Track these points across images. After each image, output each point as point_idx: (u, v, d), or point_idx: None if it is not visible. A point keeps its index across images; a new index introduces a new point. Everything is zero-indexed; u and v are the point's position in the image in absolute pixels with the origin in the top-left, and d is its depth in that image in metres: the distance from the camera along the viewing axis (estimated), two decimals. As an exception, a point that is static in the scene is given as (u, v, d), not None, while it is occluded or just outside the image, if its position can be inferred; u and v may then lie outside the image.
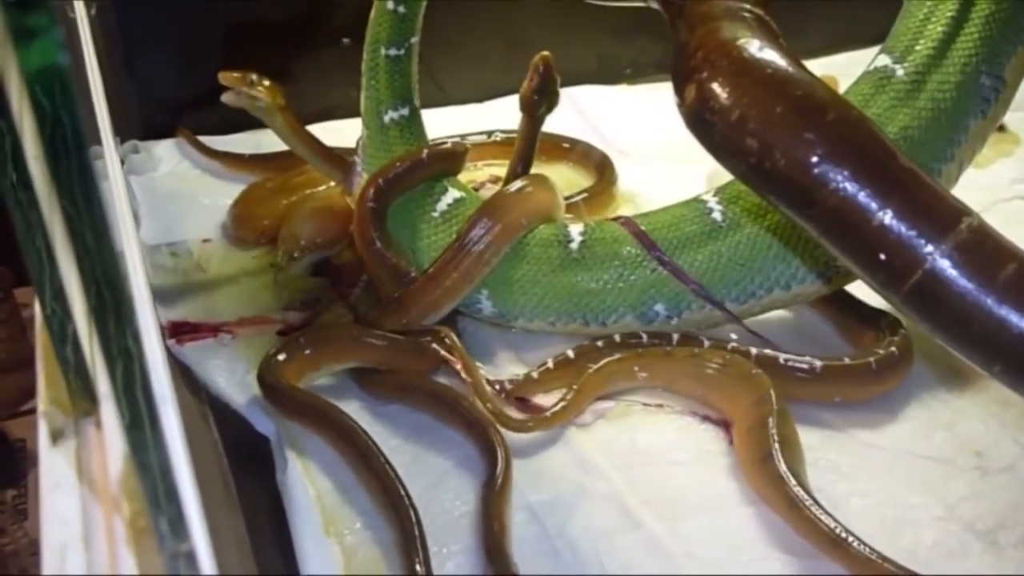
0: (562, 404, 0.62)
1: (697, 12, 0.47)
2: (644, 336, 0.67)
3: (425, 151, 0.71)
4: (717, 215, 0.67)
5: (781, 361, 0.63)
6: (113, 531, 0.29)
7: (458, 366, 0.63)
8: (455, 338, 0.64)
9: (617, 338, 0.67)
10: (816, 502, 0.53)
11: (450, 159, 0.73)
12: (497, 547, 0.52)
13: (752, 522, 0.56)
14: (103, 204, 0.21)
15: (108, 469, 0.31)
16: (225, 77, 0.74)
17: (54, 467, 0.31)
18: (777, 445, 0.56)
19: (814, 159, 0.39)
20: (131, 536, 0.28)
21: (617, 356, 0.65)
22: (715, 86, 0.42)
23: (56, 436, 0.32)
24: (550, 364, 0.66)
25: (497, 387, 0.64)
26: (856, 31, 1.06)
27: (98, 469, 0.31)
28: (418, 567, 0.50)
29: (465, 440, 0.61)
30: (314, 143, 0.79)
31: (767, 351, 0.64)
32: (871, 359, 0.63)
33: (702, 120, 0.43)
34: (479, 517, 0.55)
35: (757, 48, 0.43)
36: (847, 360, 0.63)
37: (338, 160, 0.79)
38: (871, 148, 0.39)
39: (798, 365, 0.63)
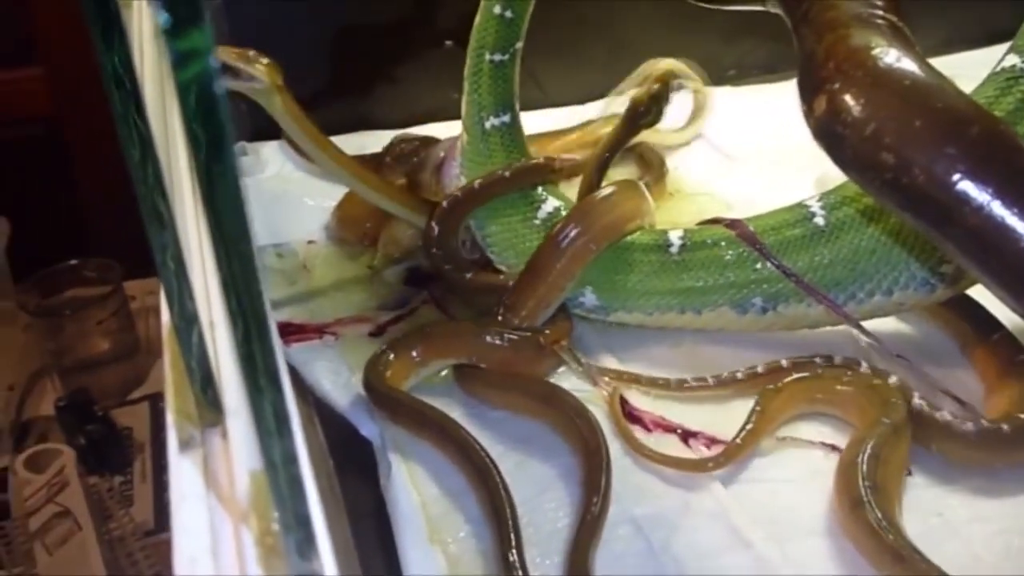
0: (744, 433, 0.60)
1: (825, 18, 0.45)
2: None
3: (508, 169, 0.71)
4: (820, 220, 0.66)
5: (938, 418, 0.59)
6: (241, 543, 0.30)
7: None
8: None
9: (784, 363, 0.65)
10: (918, 552, 0.50)
11: (536, 174, 0.72)
12: None
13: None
14: (250, 233, 0.21)
15: (236, 481, 0.31)
16: (222, 52, 0.68)
17: (183, 478, 0.32)
18: (869, 491, 0.53)
19: (956, 176, 0.37)
20: (261, 554, 0.29)
21: (797, 376, 0.63)
22: (848, 98, 0.40)
23: (184, 446, 0.33)
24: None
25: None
26: (968, 31, 1.02)
27: (225, 481, 0.31)
28: None
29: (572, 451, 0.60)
30: (314, 131, 0.74)
31: (925, 407, 0.60)
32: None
33: (833, 133, 0.41)
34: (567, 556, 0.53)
35: (894, 57, 0.41)
36: (1005, 427, 0.58)
37: (335, 151, 0.75)
38: (1019, 164, 0.37)
39: (957, 426, 0.58)
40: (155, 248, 0.31)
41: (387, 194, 0.76)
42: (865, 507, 0.52)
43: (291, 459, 0.25)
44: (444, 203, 0.72)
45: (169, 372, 0.35)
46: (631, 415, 0.63)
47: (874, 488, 0.53)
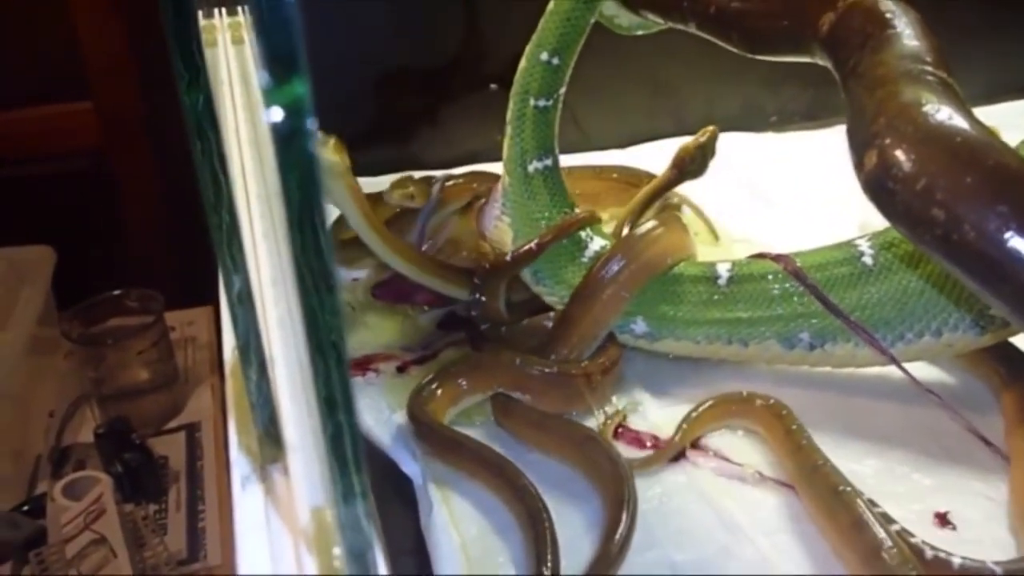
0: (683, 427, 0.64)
1: (875, 74, 0.46)
2: None
3: (543, 237, 0.72)
4: (868, 259, 0.66)
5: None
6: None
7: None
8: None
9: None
10: None
11: (575, 226, 0.73)
12: None
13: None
14: (336, 278, 0.22)
15: (297, 517, 0.32)
16: None
17: (246, 512, 0.33)
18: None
19: (1008, 233, 0.37)
20: (323, 590, 0.29)
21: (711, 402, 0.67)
22: (899, 153, 0.41)
23: (246, 481, 0.34)
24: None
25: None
26: (1014, 81, 1.02)
27: (287, 517, 0.32)
28: None
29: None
30: (369, 213, 0.71)
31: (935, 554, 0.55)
32: None
33: (884, 188, 0.42)
34: None
35: (945, 114, 0.42)
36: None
37: (383, 232, 0.73)
38: (1072, 223, 0.38)
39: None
40: (226, 289, 0.32)
41: (440, 276, 0.75)
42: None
43: (360, 497, 0.26)
44: (477, 279, 0.73)
45: (233, 409, 0.36)
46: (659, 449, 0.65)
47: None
